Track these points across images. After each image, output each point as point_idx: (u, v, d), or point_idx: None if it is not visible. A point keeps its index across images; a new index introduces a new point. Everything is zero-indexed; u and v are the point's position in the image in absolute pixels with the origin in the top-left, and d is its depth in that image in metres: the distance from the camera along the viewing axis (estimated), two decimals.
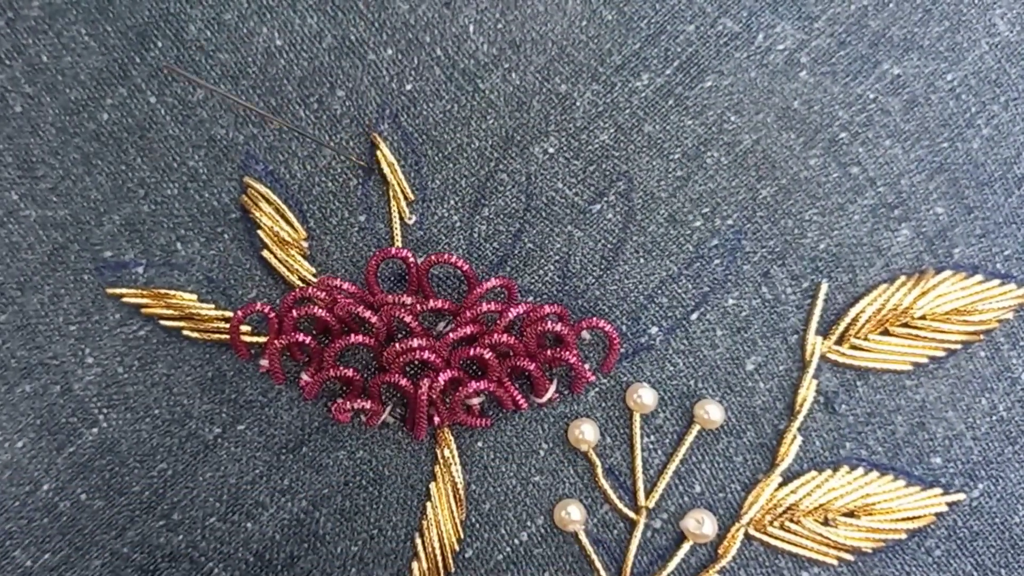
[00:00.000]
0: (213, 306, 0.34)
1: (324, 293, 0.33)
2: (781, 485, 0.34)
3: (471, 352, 0.32)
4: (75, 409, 0.34)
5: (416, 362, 0.33)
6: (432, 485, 0.34)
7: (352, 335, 0.33)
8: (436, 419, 0.33)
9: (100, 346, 0.34)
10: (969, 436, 0.34)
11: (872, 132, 0.34)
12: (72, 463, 0.34)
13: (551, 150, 0.35)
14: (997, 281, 0.34)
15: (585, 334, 0.34)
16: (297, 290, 0.33)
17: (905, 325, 0.34)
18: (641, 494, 0.34)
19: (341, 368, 0.33)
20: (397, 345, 0.32)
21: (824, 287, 0.34)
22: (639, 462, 0.34)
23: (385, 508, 0.34)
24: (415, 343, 0.32)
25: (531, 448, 0.34)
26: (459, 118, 0.35)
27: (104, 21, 0.35)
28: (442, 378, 0.32)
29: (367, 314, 0.32)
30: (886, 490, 0.34)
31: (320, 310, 0.33)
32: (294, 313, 0.32)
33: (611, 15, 0.34)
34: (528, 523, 0.34)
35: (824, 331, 0.34)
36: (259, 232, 0.34)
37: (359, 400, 0.33)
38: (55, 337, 0.34)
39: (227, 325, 0.34)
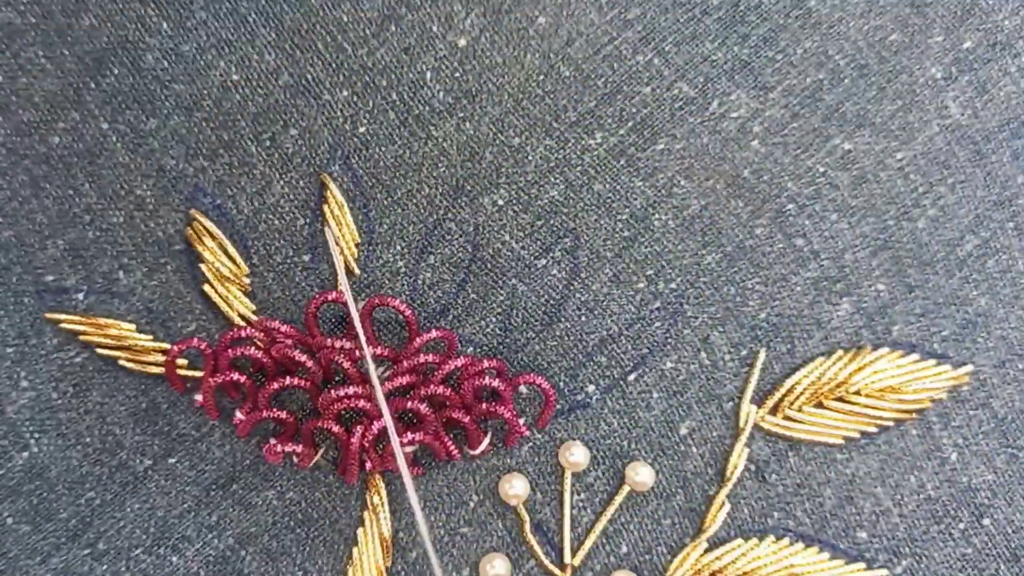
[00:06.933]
0: (151, 337, 0.34)
1: (262, 334, 0.33)
2: (707, 551, 0.34)
3: (407, 405, 0.32)
4: (7, 432, 0.34)
5: (351, 409, 0.33)
6: (360, 531, 0.34)
7: (287, 377, 0.32)
8: (368, 465, 0.33)
9: (36, 370, 0.34)
10: (896, 513, 0.34)
11: (819, 205, 0.35)
12: (0, 486, 0.34)
13: (500, 202, 0.35)
14: (933, 361, 0.34)
15: (522, 388, 0.34)
16: (235, 329, 0.33)
17: (840, 399, 0.34)
18: (568, 552, 0.34)
19: (274, 410, 0.32)
20: (332, 392, 0.32)
21: (762, 356, 0.34)
22: (568, 519, 0.34)
23: (311, 551, 0.34)
24: (350, 391, 0.32)
25: (461, 499, 0.34)
26: (410, 164, 0.35)
27: (62, 45, 0.34)
28: (375, 427, 0.32)
29: (302, 358, 0.32)
30: (810, 562, 0.34)
31: (256, 351, 0.32)
32: (230, 352, 0.32)
33: (569, 72, 0.35)
34: (453, 574, 0.34)
35: (759, 400, 0.34)
36: (201, 266, 0.34)
37: (290, 443, 0.33)
38: None
39: (164, 358, 0.34)
